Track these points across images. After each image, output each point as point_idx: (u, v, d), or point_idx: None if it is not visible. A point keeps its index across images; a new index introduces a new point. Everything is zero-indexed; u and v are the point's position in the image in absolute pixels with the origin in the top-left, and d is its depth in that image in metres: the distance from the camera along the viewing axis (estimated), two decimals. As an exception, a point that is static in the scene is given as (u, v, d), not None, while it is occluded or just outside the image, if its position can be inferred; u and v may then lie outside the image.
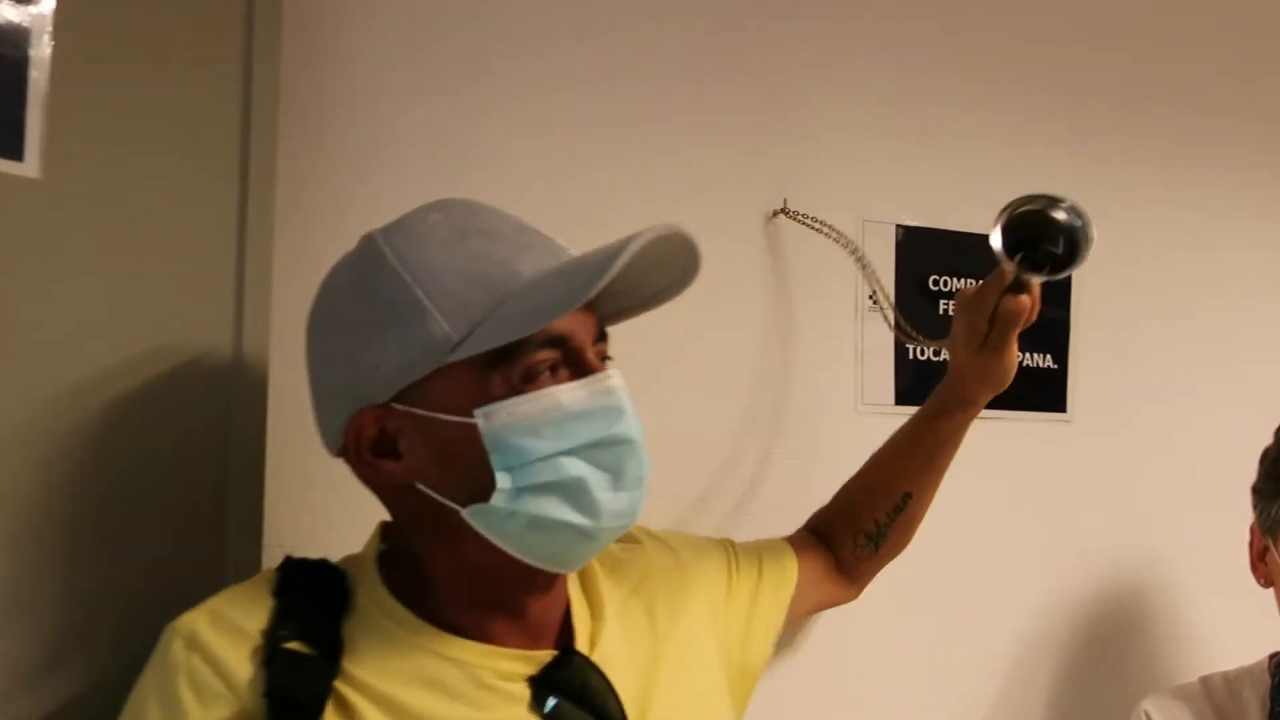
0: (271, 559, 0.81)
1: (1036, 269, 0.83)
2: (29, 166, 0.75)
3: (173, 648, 0.69)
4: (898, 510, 1.04)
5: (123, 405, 0.80)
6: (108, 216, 0.79)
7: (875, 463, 1.06)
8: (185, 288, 0.84)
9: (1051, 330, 1.33)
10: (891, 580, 1.16)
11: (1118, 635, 1.37)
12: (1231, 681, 1.19)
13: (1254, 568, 1.17)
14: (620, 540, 0.93)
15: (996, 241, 0.84)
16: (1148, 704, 1.18)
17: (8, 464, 0.74)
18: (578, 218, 1.07)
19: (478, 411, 0.69)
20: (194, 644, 0.69)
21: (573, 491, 0.70)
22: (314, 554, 0.78)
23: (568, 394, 0.70)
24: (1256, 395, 1.20)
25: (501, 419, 0.69)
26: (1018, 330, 0.90)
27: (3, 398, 0.74)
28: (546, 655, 0.76)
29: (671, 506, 1.09)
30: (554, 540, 0.72)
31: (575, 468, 0.70)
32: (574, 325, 0.72)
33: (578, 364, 0.72)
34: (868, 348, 1.19)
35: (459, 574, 0.74)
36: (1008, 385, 0.96)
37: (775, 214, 1.16)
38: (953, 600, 1.28)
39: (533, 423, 0.69)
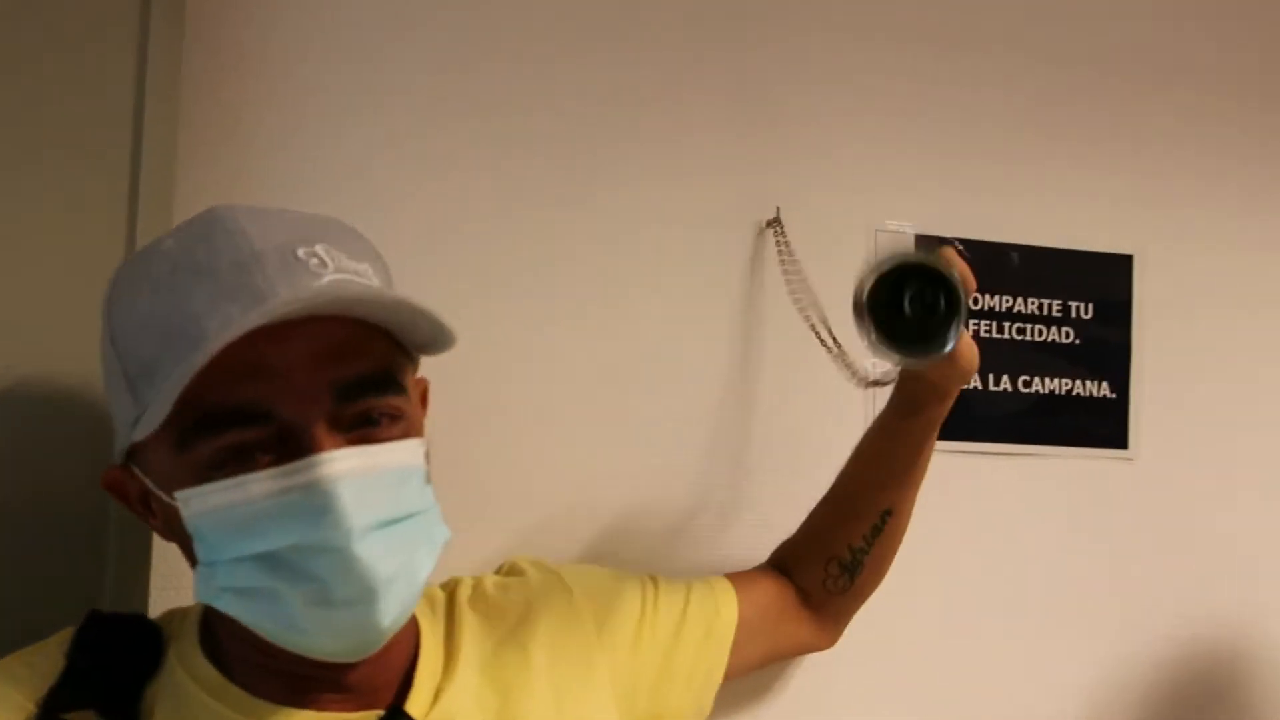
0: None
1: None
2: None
3: None
4: (876, 531, 0.90)
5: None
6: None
7: (845, 478, 0.93)
8: (74, 269, 0.76)
9: (1109, 354, 1.16)
10: (913, 639, 1.01)
11: (1194, 707, 1.16)
12: None
13: None
14: (504, 572, 0.84)
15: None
16: None
17: None
18: (555, 227, 0.99)
19: (178, 495, 0.59)
20: None
21: (267, 603, 0.58)
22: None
23: (256, 485, 0.57)
24: None
25: (195, 506, 0.58)
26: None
27: None
28: (372, 716, 0.64)
29: (658, 523, 1.00)
30: (294, 642, 0.60)
31: (264, 578, 0.58)
32: (284, 393, 0.57)
33: (293, 443, 0.57)
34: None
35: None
36: (975, 369, 0.83)
37: (768, 225, 1.04)
38: (992, 667, 1.11)
39: (222, 516, 0.57)
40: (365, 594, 0.57)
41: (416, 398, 0.66)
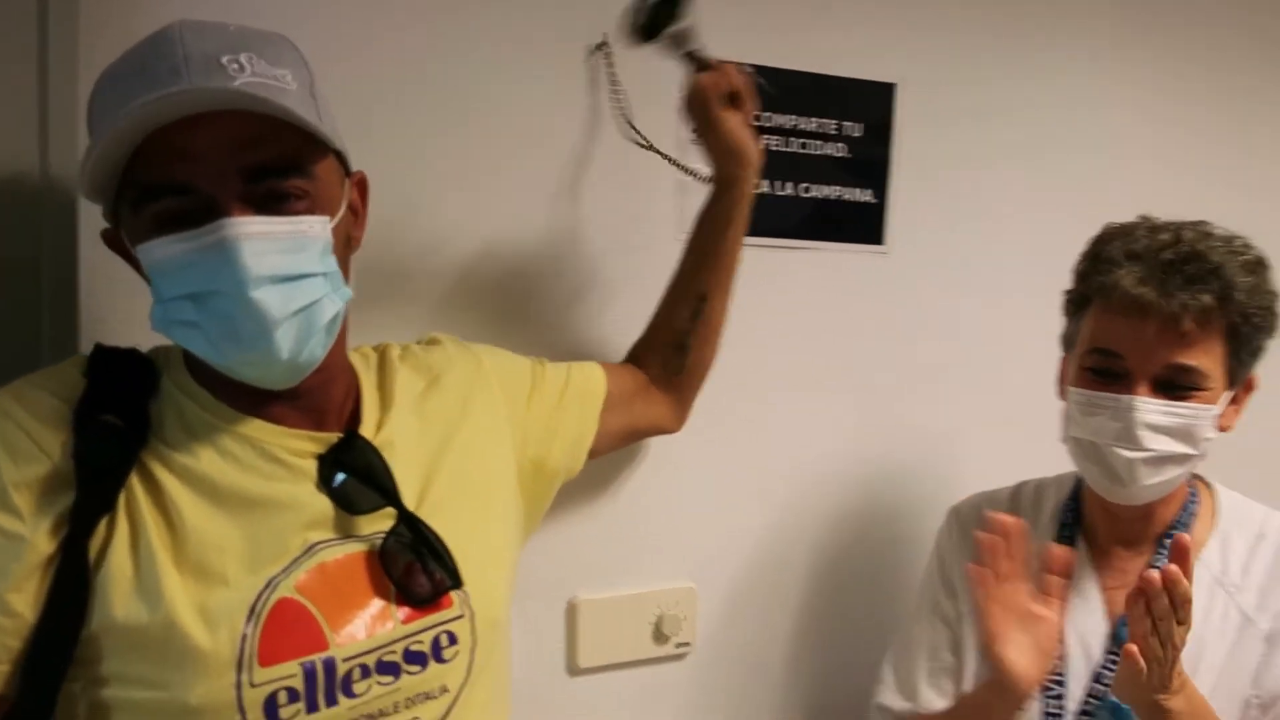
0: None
1: (654, 33, 1.08)
2: None
3: None
4: (695, 315, 1.13)
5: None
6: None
7: (673, 275, 1.15)
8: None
9: (873, 167, 1.40)
10: (709, 401, 1.25)
11: (929, 447, 1.48)
12: (1041, 488, 1.26)
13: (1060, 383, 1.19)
14: (425, 343, 1.01)
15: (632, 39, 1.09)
16: (956, 506, 1.28)
17: None
18: (390, 61, 1.11)
19: (138, 247, 0.76)
20: (7, 413, 0.76)
21: (196, 333, 0.75)
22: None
23: (173, 244, 0.73)
24: (1064, 227, 1.28)
25: (145, 257, 0.75)
26: (715, 105, 1.05)
27: None
28: (334, 437, 0.83)
29: (492, 333, 1.14)
30: (221, 366, 0.78)
31: (193, 313, 0.74)
32: (201, 172, 0.73)
33: (214, 211, 0.73)
34: (687, 179, 1.25)
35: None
36: (753, 157, 1.09)
37: (596, 48, 1.20)
38: (772, 417, 1.37)
39: (163, 265, 0.74)
40: (262, 330, 0.74)
41: (335, 183, 0.81)
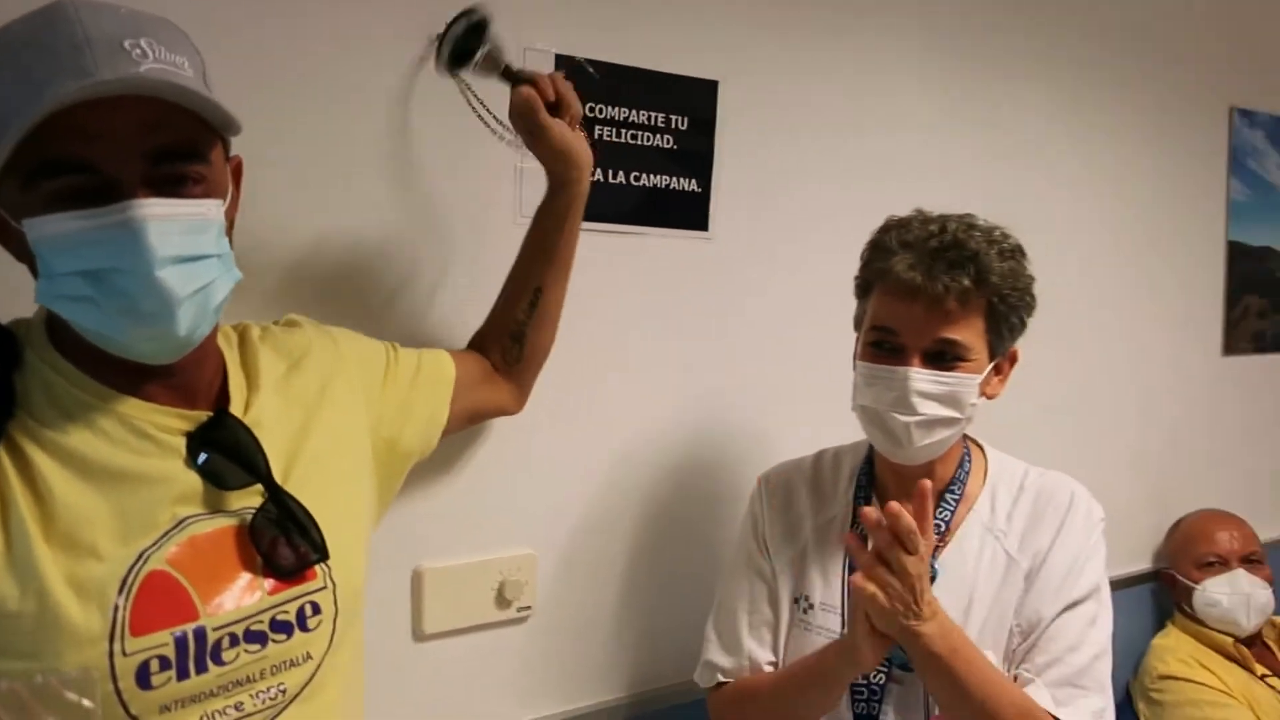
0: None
1: (464, 61, 1.15)
2: None
3: None
4: (532, 306, 1.20)
5: None
6: None
7: (511, 268, 1.22)
8: None
9: (698, 158, 1.51)
10: (546, 378, 1.32)
11: (745, 417, 1.62)
12: (839, 455, 1.39)
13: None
14: (283, 324, 1.05)
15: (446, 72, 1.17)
16: (765, 474, 1.40)
17: None
18: (230, 53, 1.10)
19: (25, 222, 0.76)
20: None
21: (91, 308, 0.77)
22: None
23: (74, 221, 0.74)
24: (865, 216, 1.40)
25: (35, 232, 0.76)
26: (539, 115, 1.11)
27: None
28: (203, 415, 0.86)
29: (338, 317, 1.16)
30: (111, 341, 0.79)
31: (88, 288, 0.76)
32: (104, 153, 0.74)
33: (115, 192, 0.75)
34: (527, 166, 1.31)
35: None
36: (582, 158, 1.16)
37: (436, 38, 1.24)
38: (604, 392, 1.47)
39: (56, 241, 0.75)
40: (164, 308, 0.77)
41: (223, 168, 0.84)
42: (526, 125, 1.14)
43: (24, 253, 0.78)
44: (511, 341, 1.22)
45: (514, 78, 1.15)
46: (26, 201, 0.75)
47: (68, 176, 0.74)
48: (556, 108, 1.15)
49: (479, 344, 1.25)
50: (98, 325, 0.78)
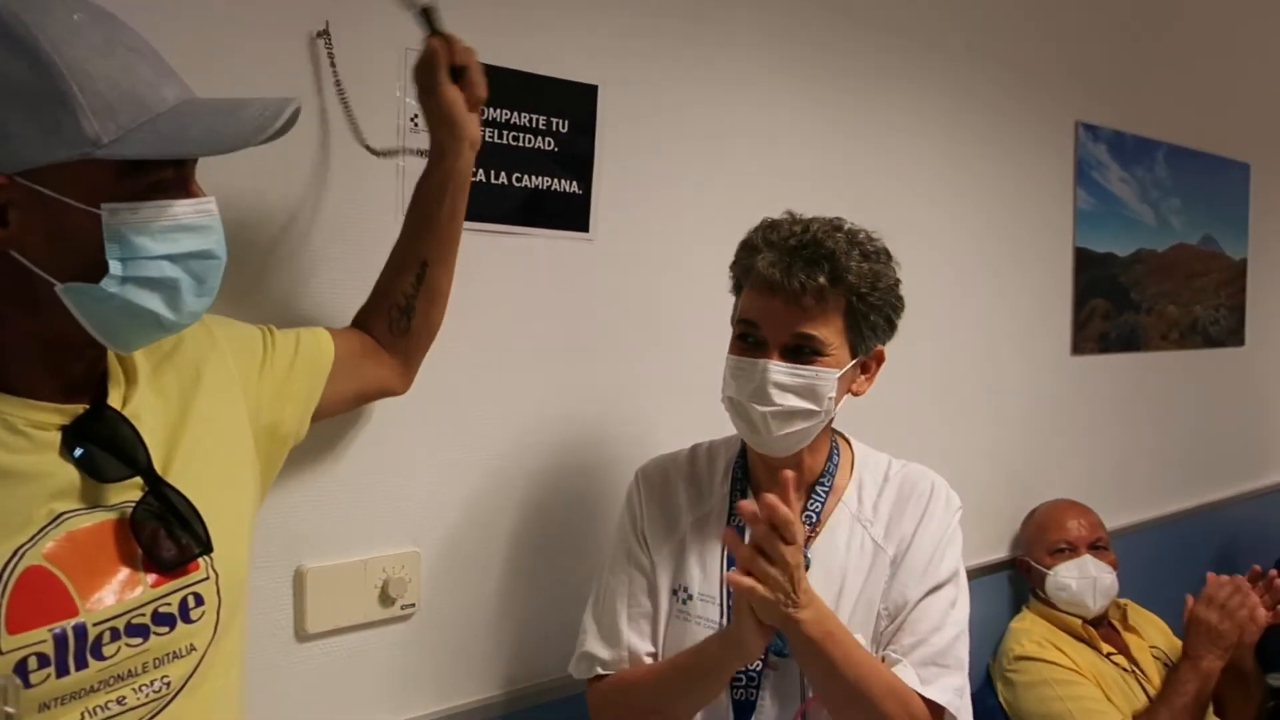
0: None
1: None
2: None
3: None
4: (419, 280, 1.21)
5: None
6: None
7: (396, 243, 1.23)
8: None
9: (578, 160, 1.54)
10: (427, 373, 1.33)
11: (624, 414, 1.65)
12: (713, 449, 1.43)
13: None
14: None
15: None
16: (643, 467, 1.43)
17: None
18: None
19: (105, 205, 0.78)
20: None
21: (168, 290, 0.82)
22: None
23: (182, 209, 0.83)
24: (740, 216, 1.46)
25: (124, 217, 0.79)
26: (438, 73, 1.13)
27: None
28: (79, 408, 0.85)
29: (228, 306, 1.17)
30: (134, 325, 0.83)
31: (175, 270, 0.82)
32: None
33: (185, 187, 0.84)
34: (410, 164, 1.32)
35: (24, 339, 0.82)
36: (465, 131, 1.17)
37: (317, 35, 1.25)
38: (486, 388, 1.48)
39: (149, 226, 0.80)
40: (216, 289, 0.88)
41: None
42: (426, 79, 1.15)
43: (66, 235, 0.79)
44: (399, 314, 1.22)
45: (430, 24, 1.16)
46: (119, 189, 0.79)
47: (170, 170, 0.82)
48: (460, 77, 1.16)
49: (362, 320, 1.25)
50: (157, 305, 0.83)
